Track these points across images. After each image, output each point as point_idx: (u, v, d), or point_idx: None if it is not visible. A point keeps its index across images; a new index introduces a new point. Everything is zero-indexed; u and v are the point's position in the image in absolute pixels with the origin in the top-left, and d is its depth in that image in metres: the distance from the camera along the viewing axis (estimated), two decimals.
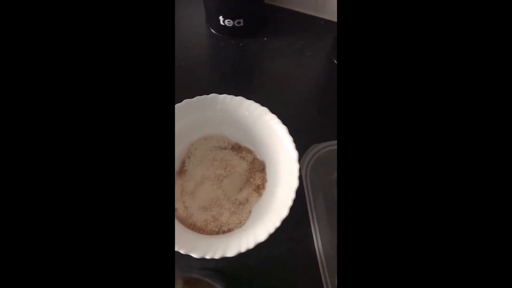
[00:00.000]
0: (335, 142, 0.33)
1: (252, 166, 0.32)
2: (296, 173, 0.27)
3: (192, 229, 0.28)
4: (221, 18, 0.38)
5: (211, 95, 0.31)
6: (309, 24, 0.43)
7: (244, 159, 0.32)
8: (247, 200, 0.30)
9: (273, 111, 0.30)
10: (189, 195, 0.30)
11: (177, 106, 0.30)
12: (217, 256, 0.24)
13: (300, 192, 0.29)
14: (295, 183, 0.27)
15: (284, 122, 0.30)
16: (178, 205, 0.30)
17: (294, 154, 0.28)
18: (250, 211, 0.30)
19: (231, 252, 0.25)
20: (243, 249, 0.25)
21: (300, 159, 0.28)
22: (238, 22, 0.39)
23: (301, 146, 0.29)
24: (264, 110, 0.30)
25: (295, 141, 0.29)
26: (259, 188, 0.31)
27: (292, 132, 0.29)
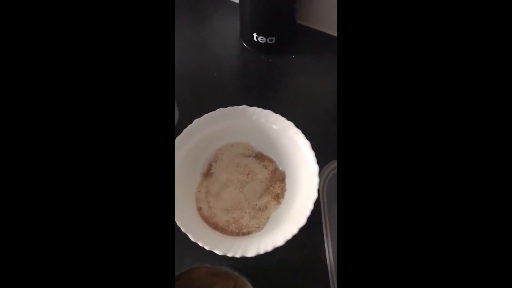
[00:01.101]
0: None
1: (273, 175, 0.34)
2: (315, 186, 0.29)
3: (214, 228, 0.31)
4: (255, 34, 0.41)
5: (242, 106, 0.33)
6: (335, 45, 0.45)
7: (266, 168, 0.35)
8: (266, 206, 0.33)
9: (295, 125, 0.33)
10: (214, 196, 0.33)
11: (210, 114, 0.33)
12: (238, 255, 0.27)
13: (315, 203, 0.31)
14: (314, 195, 0.29)
15: (305, 136, 0.32)
16: (203, 205, 0.32)
17: (315, 168, 0.30)
18: (268, 217, 0.32)
19: (251, 253, 0.27)
20: (261, 251, 0.27)
21: (318, 173, 0.30)
22: (271, 40, 0.41)
23: (320, 160, 0.31)
24: (290, 125, 0.33)
25: (315, 156, 0.31)
26: (278, 197, 0.33)
27: (311, 147, 0.31)
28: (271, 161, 0.35)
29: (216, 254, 0.27)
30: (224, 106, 0.33)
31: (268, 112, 0.33)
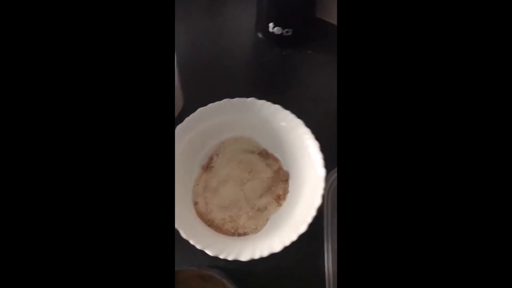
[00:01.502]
0: None
1: (276, 175, 0.32)
2: (320, 191, 0.27)
3: (209, 225, 0.29)
4: (271, 25, 0.39)
5: (250, 98, 0.31)
6: None
7: (269, 167, 0.33)
8: (265, 207, 0.31)
9: (305, 124, 0.30)
10: (211, 191, 0.31)
11: (216, 103, 0.31)
12: (230, 258, 0.25)
13: (319, 210, 0.29)
14: (318, 201, 0.27)
15: (314, 137, 0.30)
16: (199, 199, 0.31)
17: (321, 171, 0.28)
18: (267, 219, 0.30)
19: (244, 257, 0.25)
20: (256, 256, 0.25)
21: (325, 177, 0.28)
22: (287, 32, 0.39)
23: (328, 164, 0.29)
24: (299, 123, 0.30)
25: (323, 159, 0.29)
26: (280, 199, 0.31)
27: (320, 149, 0.29)
28: (275, 160, 0.33)
29: (207, 254, 0.25)
30: (232, 97, 0.31)
31: (277, 108, 0.31)
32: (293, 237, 0.26)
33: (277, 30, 0.39)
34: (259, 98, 0.31)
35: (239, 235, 0.29)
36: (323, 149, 0.29)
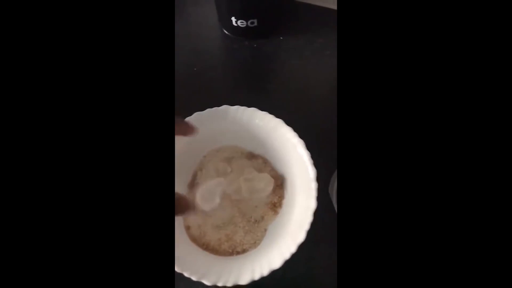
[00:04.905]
0: None
1: None
2: (313, 193, 0.25)
3: (205, 249, 0.27)
4: (233, 19, 0.36)
5: (222, 106, 0.29)
6: (329, 19, 0.39)
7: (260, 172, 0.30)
8: (262, 218, 0.29)
9: (289, 120, 0.28)
10: (203, 212, 0.29)
11: (187, 120, 0.29)
12: (229, 284, 0.23)
13: (327, 207, 0.27)
14: (312, 204, 0.25)
15: (302, 133, 0.28)
16: (191, 223, 0.29)
17: (311, 172, 0.26)
18: (265, 230, 0.28)
19: (244, 280, 0.23)
20: (256, 277, 0.23)
21: (332, 175, 0.26)
22: (252, 23, 0.36)
23: (325, 158, 0.27)
24: (279, 122, 0.28)
25: (318, 154, 0.27)
26: (275, 206, 0.29)
27: (313, 145, 0.27)
28: (265, 162, 0.31)
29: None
30: (209, 105, 0.29)
31: (253, 111, 0.29)
32: (292, 248, 0.24)
33: (241, 23, 0.36)
34: (238, 99, 0.29)
35: (238, 253, 0.27)
36: (316, 142, 0.27)
